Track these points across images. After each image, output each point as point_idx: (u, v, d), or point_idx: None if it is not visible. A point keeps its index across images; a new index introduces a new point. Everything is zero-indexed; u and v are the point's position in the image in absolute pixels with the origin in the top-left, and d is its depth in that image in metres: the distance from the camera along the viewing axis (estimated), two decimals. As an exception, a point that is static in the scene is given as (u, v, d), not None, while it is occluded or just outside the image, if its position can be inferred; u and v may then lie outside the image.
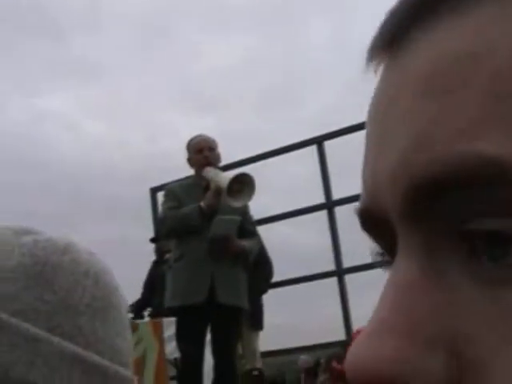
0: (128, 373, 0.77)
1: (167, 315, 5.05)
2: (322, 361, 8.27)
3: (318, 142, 6.40)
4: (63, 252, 0.75)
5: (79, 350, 0.72)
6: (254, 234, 4.73)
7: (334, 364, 3.95)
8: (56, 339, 0.71)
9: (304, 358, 9.16)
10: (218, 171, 4.58)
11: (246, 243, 4.48)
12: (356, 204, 0.34)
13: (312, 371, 8.84)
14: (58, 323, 0.72)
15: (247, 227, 4.62)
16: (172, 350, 5.18)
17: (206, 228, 4.40)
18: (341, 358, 6.18)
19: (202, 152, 4.61)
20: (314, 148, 6.51)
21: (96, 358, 0.73)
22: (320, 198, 6.62)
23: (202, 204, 4.40)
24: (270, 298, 6.25)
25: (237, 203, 4.32)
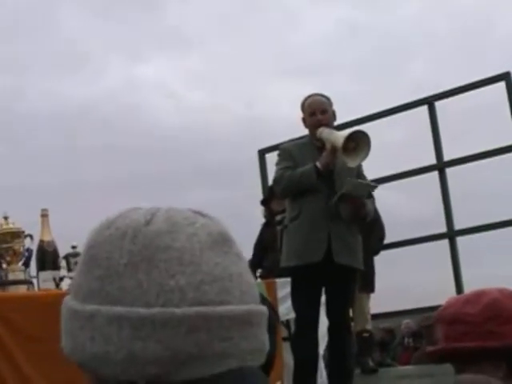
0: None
1: (280, 276, 5.03)
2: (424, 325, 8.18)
3: (429, 102, 6.27)
4: None
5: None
6: (369, 194, 4.64)
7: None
8: None
9: (406, 323, 9.09)
10: (332, 130, 4.50)
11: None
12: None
13: (417, 334, 8.76)
14: None
15: (363, 187, 4.53)
16: (284, 311, 5.16)
17: (323, 187, 4.38)
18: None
19: (314, 114, 4.57)
20: (423, 109, 6.39)
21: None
22: (429, 160, 6.52)
23: (317, 164, 4.35)
24: (380, 260, 6.19)
25: (353, 162, 4.26)
